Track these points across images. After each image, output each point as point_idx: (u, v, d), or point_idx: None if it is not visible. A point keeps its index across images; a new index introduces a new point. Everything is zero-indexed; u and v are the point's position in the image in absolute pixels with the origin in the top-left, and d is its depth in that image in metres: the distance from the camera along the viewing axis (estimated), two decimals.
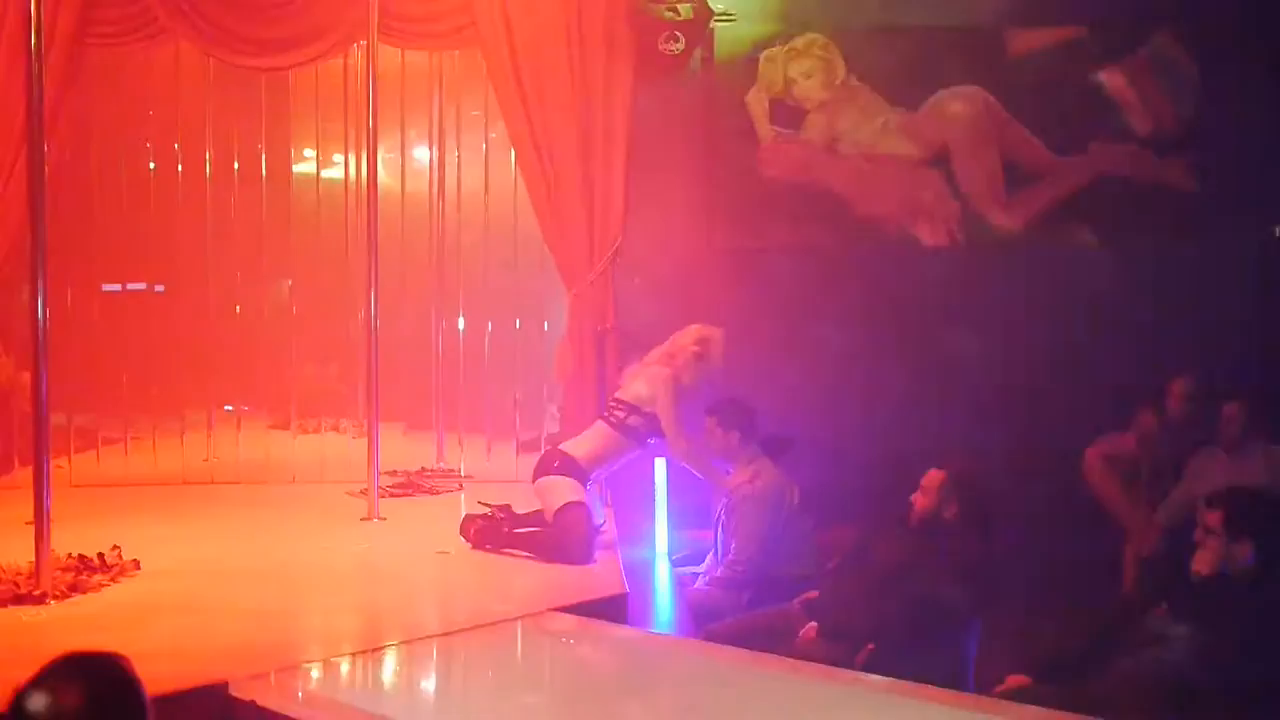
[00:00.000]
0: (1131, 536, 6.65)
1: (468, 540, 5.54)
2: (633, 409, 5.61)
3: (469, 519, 5.63)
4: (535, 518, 5.51)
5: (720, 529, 5.86)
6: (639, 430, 5.61)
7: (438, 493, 7.01)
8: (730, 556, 5.74)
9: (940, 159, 7.57)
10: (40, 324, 4.75)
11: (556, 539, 5.33)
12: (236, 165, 7.96)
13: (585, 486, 5.48)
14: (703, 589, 5.78)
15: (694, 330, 5.77)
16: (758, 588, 5.65)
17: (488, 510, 5.64)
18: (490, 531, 5.51)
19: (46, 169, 4.87)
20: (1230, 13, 7.31)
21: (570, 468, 5.48)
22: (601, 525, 5.61)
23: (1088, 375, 7.29)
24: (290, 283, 8.21)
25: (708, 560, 5.95)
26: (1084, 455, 6.91)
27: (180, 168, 7.76)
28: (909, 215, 7.56)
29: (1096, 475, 6.86)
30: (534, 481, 5.54)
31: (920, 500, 5.14)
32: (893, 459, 6.64)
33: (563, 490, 5.40)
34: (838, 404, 7.26)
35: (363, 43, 6.78)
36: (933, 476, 5.13)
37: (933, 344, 7.43)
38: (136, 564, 5.08)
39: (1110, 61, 7.51)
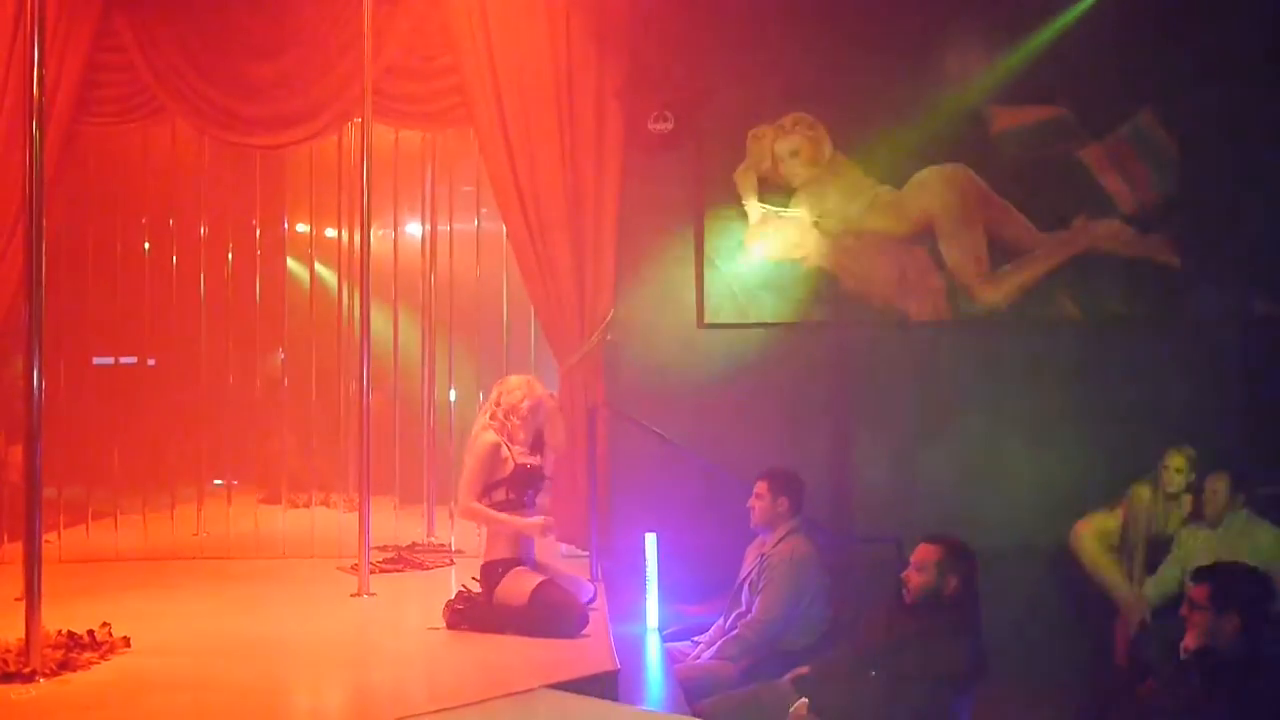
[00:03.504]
0: (1123, 611, 6.65)
1: (444, 620, 5.51)
2: (487, 488, 5.58)
3: (449, 602, 5.59)
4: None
5: (747, 588, 5.89)
6: (511, 501, 5.59)
7: (428, 568, 7.01)
8: (753, 615, 5.77)
9: (925, 235, 7.65)
10: (35, 398, 4.76)
11: (542, 617, 5.31)
12: (230, 240, 8.04)
13: (532, 568, 5.50)
14: (696, 662, 5.77)
15: (520, 385, 5.73)
16: (762, 657, 5.66)
17: (476, 589, 5.62)
18: (469, 613, 5.50)
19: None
20: (1210, 92, 7.45)
21: (507, 565, 5.47)
22: (592, 600, 5.60)
23: (1074, 449, 7.34)
24: (283, 356, 8.23)
25: (719, 622, 5.97)
26: (1073, 530, 6.94)
27: (174, 242, 7.83)
28: (895, 291, 7.62)
29: (1086, 550, 6.88)
30: (493, 599, 5.47)
31: (915, 577, 5.09)
32: (880, 533, 6.71)
33: (521, 581, 5.39)
34: (825, 478, 7.29)
35: (357, 120, 6.89)
36: (926, 552, 5.08)
37: (919, 418, 7.49)
38: (127, 641, 5.06)
39: (1093, 140, 7.64)
